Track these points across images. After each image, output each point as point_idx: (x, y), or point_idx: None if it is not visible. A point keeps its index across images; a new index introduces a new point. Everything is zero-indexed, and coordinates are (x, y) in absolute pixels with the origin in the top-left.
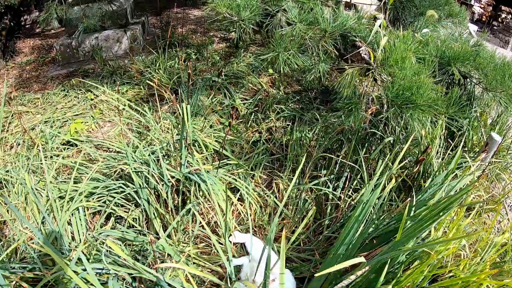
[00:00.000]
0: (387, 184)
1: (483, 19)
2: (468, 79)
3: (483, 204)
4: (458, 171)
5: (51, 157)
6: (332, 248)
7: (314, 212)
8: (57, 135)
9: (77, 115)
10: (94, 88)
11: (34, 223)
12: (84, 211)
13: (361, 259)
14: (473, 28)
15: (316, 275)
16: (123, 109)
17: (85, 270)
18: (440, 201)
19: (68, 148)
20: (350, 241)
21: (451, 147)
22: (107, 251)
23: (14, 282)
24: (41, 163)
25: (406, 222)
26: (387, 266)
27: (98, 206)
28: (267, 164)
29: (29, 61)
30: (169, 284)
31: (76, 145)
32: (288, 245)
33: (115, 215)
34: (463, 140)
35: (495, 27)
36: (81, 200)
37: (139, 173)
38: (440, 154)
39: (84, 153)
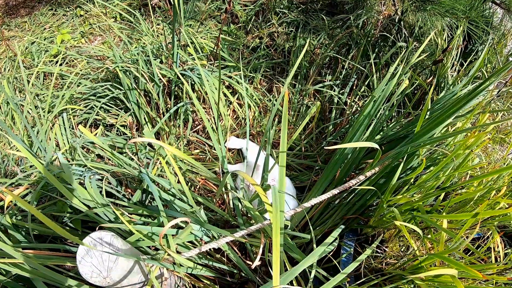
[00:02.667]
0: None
1: None
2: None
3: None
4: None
5: (38, 72)
6: (338, 150)
7: (319, 108)
8: (43, 51)
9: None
10: (83, 4)
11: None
12: (69, 119)
13: (375, 144)
14: None
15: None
16: (114, 19)
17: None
18: (459, 97)
19: (54, 61)
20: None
21: (464, 67)
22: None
23: None
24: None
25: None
26: (400, 168)
27: (85, 113)
28: (268, 70)
29: None
30: (155, 182)
31: (64, 59)
32: (287, 145)
33: (103, 123)
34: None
35: None
36: (65, 104)
37: (128, 73)
38: (456, 68)
39: (68, 62)
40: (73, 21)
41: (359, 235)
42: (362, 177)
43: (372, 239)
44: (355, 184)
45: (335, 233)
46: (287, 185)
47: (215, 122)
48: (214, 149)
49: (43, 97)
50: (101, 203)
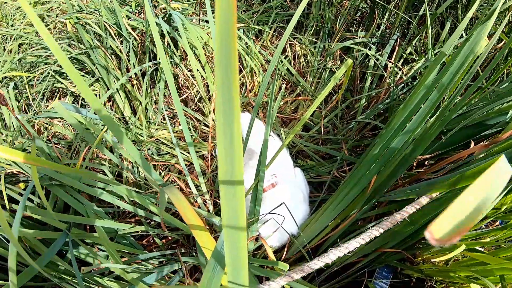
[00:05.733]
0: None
1: None
2: None
3: None
4: None
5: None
6: (378, 139)
7: (351, 66)
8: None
9: None
10: None
11: None
12: (23, 87)
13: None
14: None
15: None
16: None
17: None
18: None
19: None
20: (412, 130)
21: None
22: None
23: None
24: None
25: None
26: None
27: (43, 81)
28: (282, 24)
29: None
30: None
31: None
32: (298, 126)
33: (68, 92)
34: None
35: None
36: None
37: (86, 26)
38: None
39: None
40: None
41: (397, 274)
42: (424, 200)
43: (416, 285)
44: (410, 213)
45: None
46: (299, 180)
47: (203, 96)
48: (204, 125)
49: None
50: None
